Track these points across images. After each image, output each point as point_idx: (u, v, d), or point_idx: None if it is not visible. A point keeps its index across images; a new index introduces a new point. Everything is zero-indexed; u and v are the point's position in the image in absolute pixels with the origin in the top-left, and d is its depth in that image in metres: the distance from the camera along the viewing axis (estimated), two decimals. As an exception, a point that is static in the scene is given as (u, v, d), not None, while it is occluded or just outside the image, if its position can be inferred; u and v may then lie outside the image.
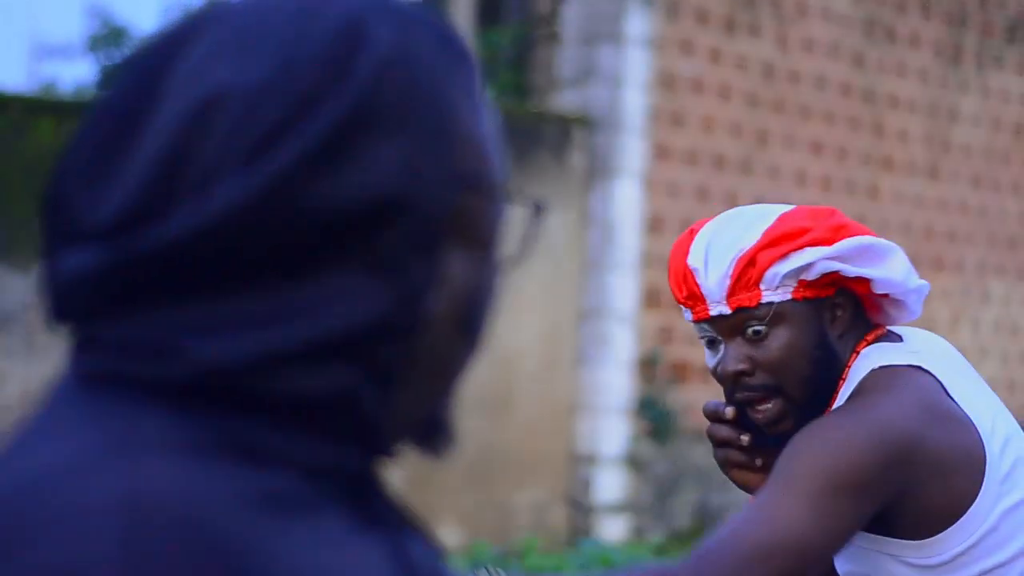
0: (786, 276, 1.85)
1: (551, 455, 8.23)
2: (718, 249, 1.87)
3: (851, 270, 1.85)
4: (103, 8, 18.92)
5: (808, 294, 1.87)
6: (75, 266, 0.78)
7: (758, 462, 1.94)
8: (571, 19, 8.65)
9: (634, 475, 8.47)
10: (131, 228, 0.77)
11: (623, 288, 8.42)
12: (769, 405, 1.87)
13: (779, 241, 1.85)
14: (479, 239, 0.85)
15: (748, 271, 1.85)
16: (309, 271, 0.78)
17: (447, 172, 0.83)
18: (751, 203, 8.99)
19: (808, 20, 9.27)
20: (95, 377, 0.78)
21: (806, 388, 1.86)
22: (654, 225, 8.56)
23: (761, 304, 1.85)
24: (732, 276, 1.85)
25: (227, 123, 0.78)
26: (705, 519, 8.67)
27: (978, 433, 1.83)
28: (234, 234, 0.77)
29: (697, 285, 1.87)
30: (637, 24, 8.52)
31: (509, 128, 8.53)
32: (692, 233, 1.92)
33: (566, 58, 8.67)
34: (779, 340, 1.85)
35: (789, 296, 1.86)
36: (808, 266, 1.84)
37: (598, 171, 8.45)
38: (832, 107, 9.33)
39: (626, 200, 8.45)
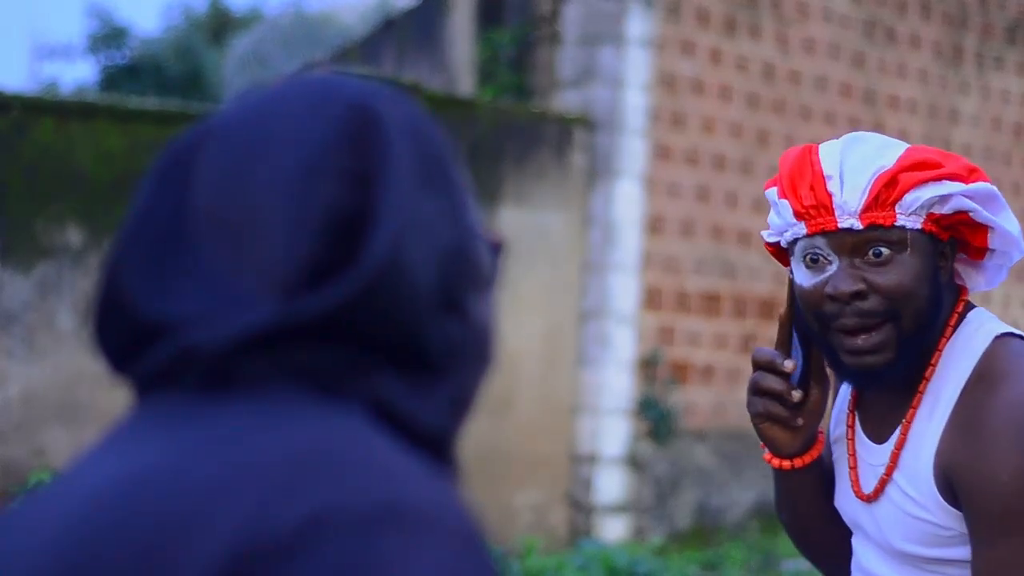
0: (922, 205, 1.76)
1: (551, 455, 8.23)
2: (855, 163, 1.78)
3: (982, 213, 1.79)
4: (103, 8, 18.96)
5: (933, 229, 1.78)
6: (249, 323, 0.86)
7: (799, 421, 1.87)
8: (572, 20, 8.65)
9: (634, 475, 8.47)
10: (293, 293, 0.86)
11: (624, 288, 8.42)
12: (876, 333, 1.76)
13: (918, 167, 1.77)
14: (484, 278, 0.94)
15: (888, 190, 1.76)
16: (432, 320, 0.89)
17: (473, 218, 0.93)
18: (752, 204, 8.96)
19: (809, 21, 9.27)
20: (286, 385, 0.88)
21: (919, 320, 1.76)
22: (655, 225, 8.56)
23: (895, 226, 1.76)
24: (871, 192, 1.76)
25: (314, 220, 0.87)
26: (705, 520, 8.67)
27: None
28: (364, 304, 0.86)
29: (829, 194, 1.77)
30: (638, 25, 8.52)
31: (510, 129, 8.48)
32: (810, 149, 1.82)
33: (567, 59, 8.66)
34: (903, 266, 1.76)
35: (919, 226, 1.77)
36: (945, 198, 1.77)
37: (599, 172, 8.45)
38: (833, 108, 9.33)
39: (627, 200, 8.45)
